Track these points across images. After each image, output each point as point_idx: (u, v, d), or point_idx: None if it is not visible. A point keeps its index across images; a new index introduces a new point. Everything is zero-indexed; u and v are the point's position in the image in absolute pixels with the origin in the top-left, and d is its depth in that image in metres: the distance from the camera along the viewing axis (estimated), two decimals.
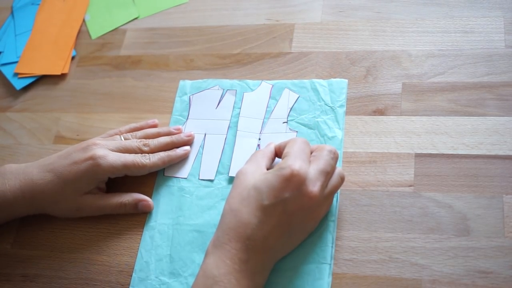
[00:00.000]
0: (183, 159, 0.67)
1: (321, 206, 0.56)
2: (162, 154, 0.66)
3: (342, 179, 0.58)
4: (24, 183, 0.63)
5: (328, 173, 0.56)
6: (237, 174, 0.58)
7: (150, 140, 0.67)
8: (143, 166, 0.64)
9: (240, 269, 0.52)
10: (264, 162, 0.59)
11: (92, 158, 0.63)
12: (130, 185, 0.67)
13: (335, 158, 0.57)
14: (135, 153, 0.65)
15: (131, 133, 0.68)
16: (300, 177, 0.54)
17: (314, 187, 0.54)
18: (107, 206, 0.65)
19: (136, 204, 0.65)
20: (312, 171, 0.55)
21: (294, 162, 0.54)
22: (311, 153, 0.58)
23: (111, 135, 0.68)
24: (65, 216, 0.66)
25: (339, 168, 0.58)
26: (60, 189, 0.63)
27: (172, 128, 0.69)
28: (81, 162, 0.63)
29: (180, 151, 0.67)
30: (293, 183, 0.53)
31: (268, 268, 0.55)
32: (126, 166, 0.64)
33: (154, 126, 0.70)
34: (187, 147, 0.67)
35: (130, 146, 0.66)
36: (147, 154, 0.65)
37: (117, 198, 0.65)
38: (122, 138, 0.67)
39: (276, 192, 0.54)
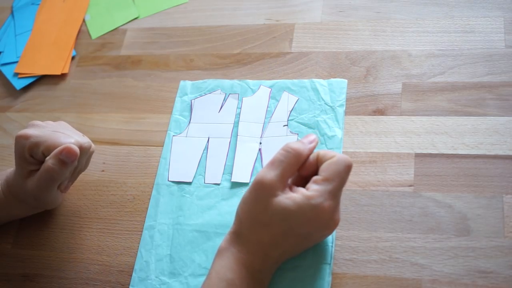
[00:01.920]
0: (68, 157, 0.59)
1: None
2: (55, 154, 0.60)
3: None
4: (3, 186, 0.64)
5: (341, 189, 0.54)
6: (257, 181, 0.53)
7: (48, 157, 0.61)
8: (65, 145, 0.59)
9: (253, 277, 0.53)
10: (287, 173, 0.53)
11: (16, 137, 0.61)
12: (130, 183, 0.67)
13: (349, 172, 0.54)
14: None
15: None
16: (328, 213, 0.52)
17: (336, 214, 0.54)
18: (40, 180, 0.60)
19: (59, 159, 0.59)
20: (337, 199, 0.53)
21: (327, 199, 0.52)
22: (326, 161, 0.54)
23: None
24: (42, 207, 0.66)
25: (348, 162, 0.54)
26: (17, 181, 0.62)
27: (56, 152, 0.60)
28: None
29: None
30: (322, 218, 0.53)
31: (271, 274, 0.56)
32: (42, 142, 0.60)
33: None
34: (71, 146, 0.59)
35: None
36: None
37: (42, 167, 0.60)
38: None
39: (302, 223, 0.52)
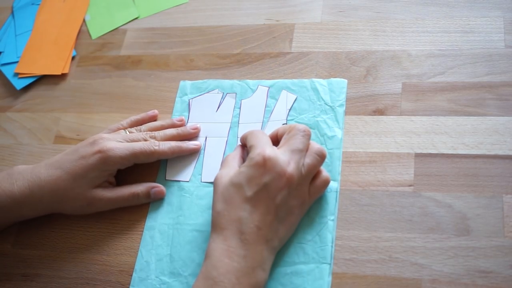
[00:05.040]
0: (192, 153, 0.67)
1: (302, 185, 0.57)
2: (172, 143, 0.66)
3: (320, 156, 0.58)
4: (33, 182, 0.63)
5: (301, 151, 0.57)
6: (214, 181, 0.58)
7: (156, 132, 0.67)
8: (151, 152, 0.64)
9: (239, 267, 0.52)
10: (235, 162, 0.60)
11: (100, 151, 0.63)
12: (130, 183, 0.67)
13: (306, 135, 0.58)
14: None
15: (134, 128, 0.68)
16: (272, 159, 0.55)
17: (289, 166, 0.55)
18: (119, 198, 0.64)
19: (148, 192, 0.65)
20: (283, 152, 0.57)
21: (263, 148, 0.56)
22: (283, 135, 0.59)
23: (114, 130, 0.68)
24: (76, 212, 0.65)
25: (316, 145, 0.59)
26: (69, 184, 0.63)
27: (175, 119, 0.70)
28: (89, 156, 0.63)
29: (192, 144, 0.67)
30: (268, 167, 0.55)
31: (268, 262, 0.55)
32: (134, 154, 0.64)
33: (155, 116, 0.71)
34: (198, 142, 0.67)
35: (136, 138, 0.66)
36: (155, 141, 0.65)
37: (128, 189, 0.65)
38: (127, 132, 0.67)
39: (255, 180, 0.55)
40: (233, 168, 0.58)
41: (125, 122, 0.70)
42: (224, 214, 0.55)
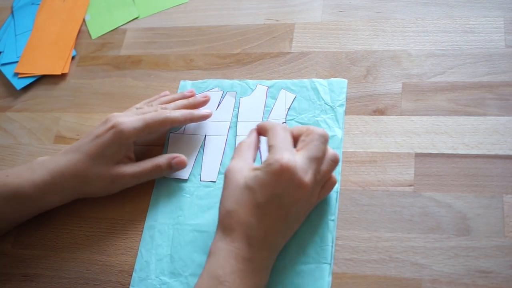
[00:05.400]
0: (204, 120, 0.67)
1: (315, 191, 0.57)
2: (184, 111, 0.66)
3: (335, 162, 0.57)
4: (53, 169, 0.63)
5: (319, 159, 0.55)
6: (225, 173, 0.57)
7: (167, 104, 0.67)
8: (164, 119, 0.64)
9: (244, 269, 0.52)
10: (249, 154, 0.58)
11: (113, 126, 0.63)
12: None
13: (325, 142, 0.56)
14: None
15: (146, 104, 0.69)
16: (290, 169, 0.53)
17: (306, 176, 0.54)
18: (142, 172, 0.64)
19: (170, 163, 0.64)
20: (301, 160, 0.54)
21: (282, 155, 0.54)
22: (300, 136, 0.57)
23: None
24: (101, 193, 0.65)
25: (331, 150, 0.58)
26: (89, 165, 0.63)
27: (185, 92, 0.70)
28: (103, 134, 0.63)
29: (203, 111, 0.67)
30: (285, 177, 0.53)
31: (270, 266, 0.55)
32: (147, 124, 0.64)
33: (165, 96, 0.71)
34: (210, 110, 0.67)
35: (148, 111, 0.66)
36: (167, 109, 0.65)
37: (150, 162, 0.65)
38: (138, 109, 0.67)
39: (269, 188, 0.53)
40: (247, 163, 0.57)
41: (138, 104, 0.70)
42: (233, 215, 0.54)
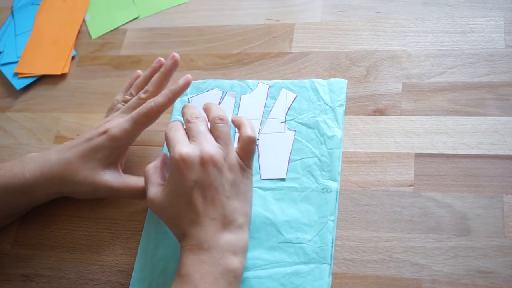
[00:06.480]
0: (187, 87, 0.66)
1: (228, 155, 0.57)
2: (164, 91, 0.65)
3: (221, 119, 0.59)
4: (43, 166, 0.63)
5: (201, 132, 0.58)
6: (148, 205, 0.59)
7: (146, 86, 0.67)
8: (149, 110, 0.64)
9: (205, 261, 0.53)
10: (155, 176, 0.60)
11: (105, 131, 0.63)
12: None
13: (197, 119, 0.60)
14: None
15: (127, 95, 0.68)
16: (185, 158, 0.55)
17: (184, 148, 0.56)
18: (122, 188, 0.64)
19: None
20: (192, 144, 0.57)
21: (173, 150, 0.56)
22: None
23: (111, 108, 0.69)
24: (84, 197, 0.66)
25: (214, 112, 0.60)
26: (78, 166, 0.63)
27: (153, 64, 0.69)
28: (95, 137, 0.63)
29: (180, 80, 0.66)
30: (181, 165, 0.55)
31: (237, 244, 0.55)
32: (135, 121, 0.63)
33: (138, 76, 0.70)
34: (188, 75, 0.66)
35: (133, 104, 0.66)
36: (148, 100, 0.65)
37: (135, 181, 0.64)
38: (123, 105, 0.67)
39: (179, 187, 0.56)
40: (155, 186, 0.58)
41: (118, 96, 0.69)
42: (175, 232, 0.57)
